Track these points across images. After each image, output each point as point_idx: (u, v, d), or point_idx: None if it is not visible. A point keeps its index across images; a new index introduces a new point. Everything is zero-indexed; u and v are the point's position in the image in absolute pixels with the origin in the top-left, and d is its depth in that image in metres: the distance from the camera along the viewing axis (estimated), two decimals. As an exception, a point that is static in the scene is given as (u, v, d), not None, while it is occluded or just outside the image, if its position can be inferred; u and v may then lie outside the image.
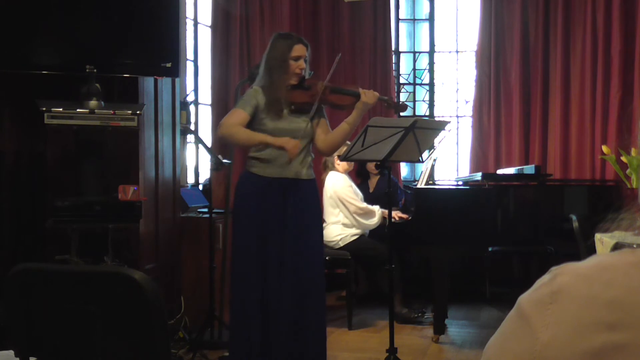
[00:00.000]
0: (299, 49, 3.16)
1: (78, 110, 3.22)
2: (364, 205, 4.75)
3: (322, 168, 4.99)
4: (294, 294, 3.11)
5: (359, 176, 5.48)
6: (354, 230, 4.78)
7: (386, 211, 4.70)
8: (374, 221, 4.74)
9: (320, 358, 3.19)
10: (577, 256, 3.93)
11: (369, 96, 3.13)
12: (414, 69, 6.51)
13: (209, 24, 5.50)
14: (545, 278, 0.56)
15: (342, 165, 4.82)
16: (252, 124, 3.13)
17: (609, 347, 0.49)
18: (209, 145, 4.94)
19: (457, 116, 6.48)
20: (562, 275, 0.55)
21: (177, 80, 4.22)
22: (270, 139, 3.06)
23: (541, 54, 5.77)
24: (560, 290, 0.54)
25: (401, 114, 3.52)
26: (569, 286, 0.54)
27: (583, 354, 0.50)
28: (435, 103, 6.51)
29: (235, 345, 3.16)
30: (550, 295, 0.54)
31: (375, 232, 4.84)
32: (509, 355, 0.55)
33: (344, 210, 4.75)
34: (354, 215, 4.72)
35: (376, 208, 4.76)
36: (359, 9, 6.04)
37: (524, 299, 0.57)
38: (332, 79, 3.17)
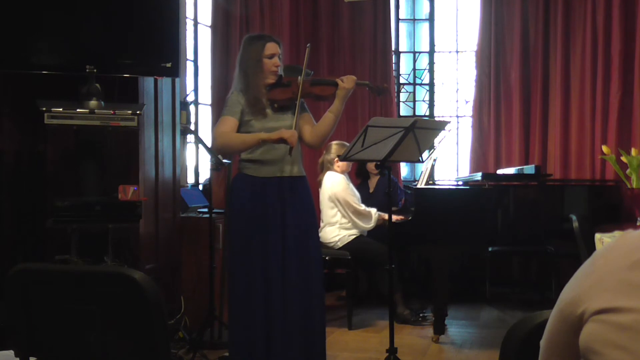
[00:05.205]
0: (271, 47, 3.16)
1: (78, 110, 3.22)
2: (362, 208, 4.73)
3: (319, 169, 4.97)
4: (296, 294, 3.10)
5: (359, 176, 5.48)
6: (352, 231, 4.77)
7: (383, 214, 4.72)
8: (370, 224, 4.74)
9: (320, 358, 3.20)
10: (577, 256, 3.93)
11: (347, 81, 3.15)
12: (414, 69, 6.51)
13: (209, 24, 5.50)
14: None
15: (340, 165, 4.79)
16: (239, 128, 3.13)
17: None
18: (209, 145, 4.94)
19: (457, 116, 6.48)
20: None
21: (177, 80, 4.21)
22: (265, 135, 3.05)
23: (541, 54, 5.76)
24: None
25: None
26: None
27: None
28: (435, 103, 6.51)
29: (236, 346, 3.15)
30: None
31: (374, 232, 4.83)
32: None
33: (341, 211, 4.73)
34: (352, 216, 4.71)
35: (373, 211, 4.75)
36: (359, 9, 6.04)
37: None
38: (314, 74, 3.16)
